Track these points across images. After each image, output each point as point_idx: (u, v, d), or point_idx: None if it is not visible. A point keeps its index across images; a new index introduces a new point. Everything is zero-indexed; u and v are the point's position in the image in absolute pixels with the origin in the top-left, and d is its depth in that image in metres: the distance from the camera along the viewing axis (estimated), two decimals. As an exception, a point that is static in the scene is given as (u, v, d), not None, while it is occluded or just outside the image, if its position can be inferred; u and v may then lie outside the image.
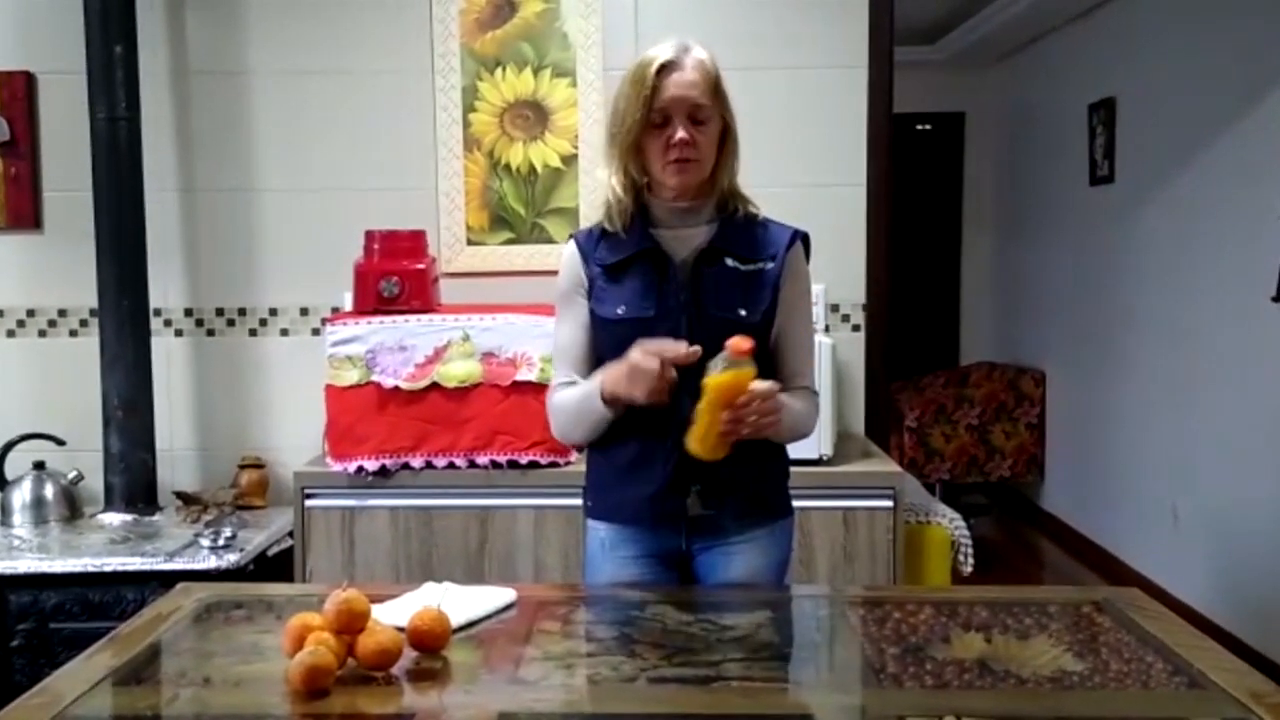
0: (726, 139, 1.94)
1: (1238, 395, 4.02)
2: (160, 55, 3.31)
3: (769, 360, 1.97)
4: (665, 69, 1.85)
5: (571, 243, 2.03)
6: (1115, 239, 5.07)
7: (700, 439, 1.76)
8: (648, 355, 1.76)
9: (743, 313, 1.90)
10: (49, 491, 3.12)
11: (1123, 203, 5.00)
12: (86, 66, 3.08)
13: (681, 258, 1.93)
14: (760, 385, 1.74)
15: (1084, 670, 1.58)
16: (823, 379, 2.88)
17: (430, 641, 1.60)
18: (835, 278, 3.21)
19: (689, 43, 1.91)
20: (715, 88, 1.89)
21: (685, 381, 1.78)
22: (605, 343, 1.97)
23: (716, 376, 1.72)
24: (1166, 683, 1.56)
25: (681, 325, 1.89)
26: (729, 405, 1.72)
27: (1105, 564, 5.13)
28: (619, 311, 1.93)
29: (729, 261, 1.92)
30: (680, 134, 1.85)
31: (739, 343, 1.71)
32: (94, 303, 3.16)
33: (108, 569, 2.74)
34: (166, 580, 2.50)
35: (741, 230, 1.95)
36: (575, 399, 1.95)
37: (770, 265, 1.93)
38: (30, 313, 3.37)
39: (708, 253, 1.93)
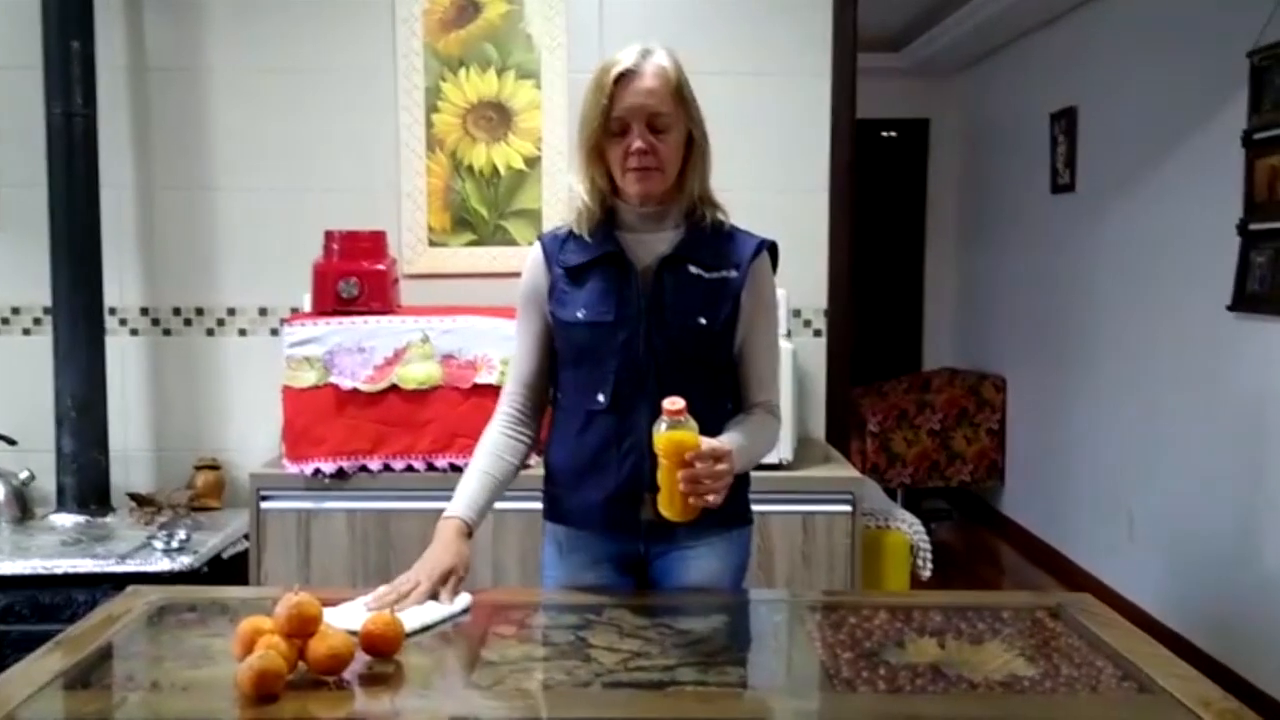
0: (693, 145, 1.91)
1: (1194, 402, 4.07)
2: (118, 50, 3.28)
3: (732, 372, 1.97)
4: (624, 77, 1.83)
5: (537, 245, 2.02)
6: (1076, 247, 5.12)
7: (667, 504, 1.77)
8: (425, 575, 1.82)
9: (703, 321, 1.89)
10: (-1, 492, 3.08)
11: (1083, 211, 5.05)
12: (43, 61, 3.04)
13: (645, 263, 1.92)
14: (707, 444, 1.73)
15: (1035, 675, 1.59)
16: (784, 384, 2.89)
17: (383, 646, 1.59)
18: (797, 283, 3.21)
19: (653, 47, 1.89)
20: (677, 94, 1.86)
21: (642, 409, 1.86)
22: (566, 345, 1.97)
23: (660, 435, 1.73)
24: (1116, 688, 1.57)
25: (640, 331, 1.88)
26: (680, 464, 1.71)
27: (1062, 569, 5.17)
28: (579, 315, 1.92)
29: (692, 269, 1.91)
30: (637, 143, 1.83)
31: (669, 404, 1.71)
32: (48, 300, 3.12)
33: (58, 571, 2.71)
34: (119, 583, 2.46)
35: (708, 238, 1.94)
36: (466, 474, 1.99)
37: (734, 274, 1.92)
38: (-17, 310, 3.33)
39: (671, 259, 1.91)
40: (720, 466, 1.73)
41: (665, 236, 1.93)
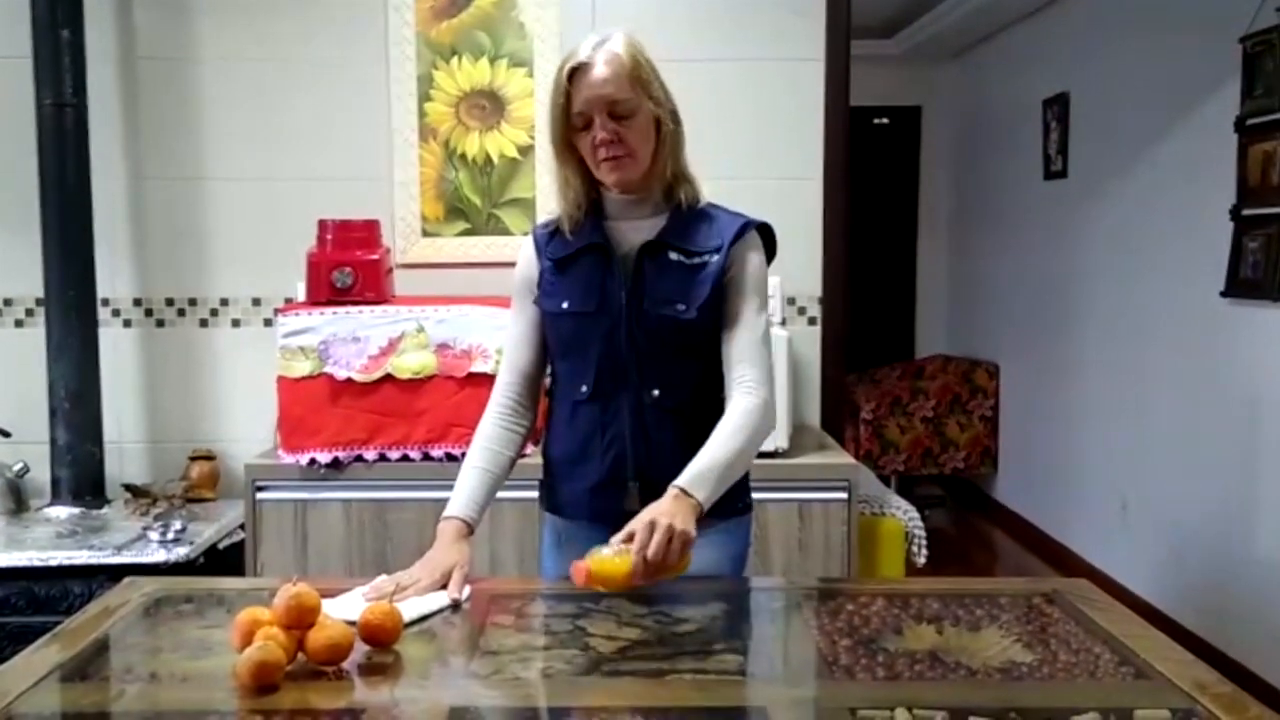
0: (661, 125, 1.88)
1: (1187, 388, 4.08)
2: (108, 40, 3.26)
3: (716, 352, 1.93)
4: (577, 72, 1.82)
5: (529, 237, 2.03)
6: (1068, 233, 5.12)
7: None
8: (426, 573, 1.82)
9: (681, 307, 1.87)
10: (-6, 484, 3.07)
11: (1076, 197, 5.06)
12: (33, 51, 3.03)
13: (628, 251, 1.91)
14: (638, 554, 1.66)
15: (1033, 661, 1.59)
16: (778, 372, 2.88)
17: (381, 636, 1.59)
18: (791, 270, 3.22)
19: (608, 34, 1.86)
20: (633, 77, 1.83)
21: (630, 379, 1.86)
22: (554, 336, 1.97)
23: (593, 577, 1.68)
24: (1114, 673, 1.57)
25: (622, 321, 1.88)
26: (628, 585, 1.69)
27: (1056, 555, 5.19)
28: (564, 305, 1.92)
29: (673, 255, 1.89)
30: (601, 134, 1.82)
31: (575, 577, 1.68)
32: (40, 292, 3.11)
33: (54, 563, 2.71)
34: (114, 574, 2.46)
35: (690, 222, 1.92)
36: (462, 471, 1.97)
37: (715, 258, 1.89)
38: (-26, 302, 3.31)
39: (652, 246, 1.90)
40: (672, 549, 1.68)
41: (649, 223, 1.92)
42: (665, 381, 1.88)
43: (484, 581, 1.96)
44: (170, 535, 2.80)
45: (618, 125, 1.83)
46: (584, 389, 1.91)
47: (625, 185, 1.88)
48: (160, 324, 3.35)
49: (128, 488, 3.18)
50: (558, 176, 1.93)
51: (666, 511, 1.70)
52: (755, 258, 1.94)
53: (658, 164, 1.90)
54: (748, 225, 1.94)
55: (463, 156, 3.31)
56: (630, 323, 1.88)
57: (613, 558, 1.68)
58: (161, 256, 3.33)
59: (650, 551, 1.65)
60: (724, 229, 1.92)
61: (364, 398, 2.88)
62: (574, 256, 1.93)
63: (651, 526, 1.67)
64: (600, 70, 1.82)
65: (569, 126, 1.86)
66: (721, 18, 3.29)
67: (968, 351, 6.44)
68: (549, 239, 1.98)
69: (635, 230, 1.92)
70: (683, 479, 1.76)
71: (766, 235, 1.98)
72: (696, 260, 1.89)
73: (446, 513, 1.92)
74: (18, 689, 1.47)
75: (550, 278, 1.95)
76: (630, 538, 1.68)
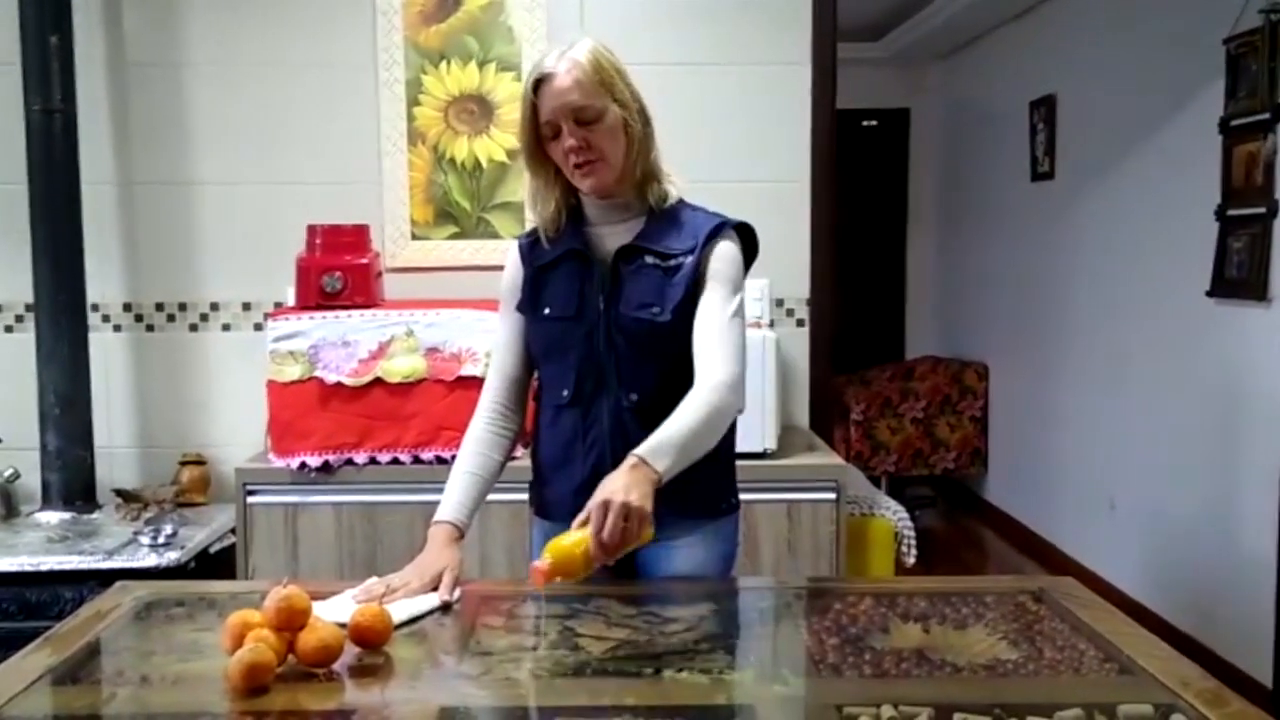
0: (629, 126, 1.88)
1: (1173, 387, 4.10)
2: (97, 46, 3.26)
3: (687, 343, 1.90)
4: (541, 82, 1.83)
5: (514, 246, 2.05)
6: (1055, 234, 5.15)
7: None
8: (417, 576, 1.83)
9: (656, 310, 1.88)
10: (-16, 490, 3.07)
11: (1063, 198, 5.08)
12: (21, 57, 3.03)
13: (605, 255, 1.92)
14: (594, 537, 1.62)
15: (1018, 658, 1.60)
16: (766, 373, 2.90)
17: (372, 638, 1.60)
18: (779, 273, 3.23)
19: (574, 41, 1.87)
20: (596, 83, 1.83)
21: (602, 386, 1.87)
22: (536, 342, 1.99)
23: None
24: (1098, 669, 1.59)
25: (600, 325, 1.90)
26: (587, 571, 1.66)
27: (1045, 553, 5.21)
28: (546, 312, 1.95)
29: (648, 259, 1.90)
30: (569, 141, 1.83)
31: (534, 580, 1.64)
32: (30, 297, 3.11)
33: (45, 568, 2.71)
34: (105, 579, 2.46)
35: (666, 225, 1.93)
36: (451, 475, 1.98)
37: (688, 260, 1.89)
38: (-36, 308, 3.31)
39: (627, 250, 1.91)
40: (627, 527, 1.63)
41: (627, 227, 1.93)
42: (643, 385, 1.90)
43: (474, 583, 1.97)
44: (161, 539, 2.80)
45: (586, 131, 1.83)
46: (565, 393, 1.93)
47: (601, 189, 1.89)
48: (150, 329, 3.35)
49: (118, 492, 3.18)
50: (530, 188, 1.96)
51: (621, 487, 1.65)
52: (725, 247, 1.92)
53: (628, 164, 1.90)
54: (723, 225, 1.93)
55: (451, 160, 3.32)
56: (608, 327, 1.89)
57: (568, 546, 1.64)
58: (151, 261, 3.34)
59: (606, 534, 1.61)
60: (698, 230, 1.92)
61: (354, 401, 2.88)
62: (555, 263, 1.95)
63: (605, 507, 1.62)
64: (563, 79, 1.82)
65: (539, 137, 1.88)
66: (707, 22, 3.30)
67: (957, 352, 6.47)
68: (532, 246, 2.00)
69: (613, 235, 1.94)
70: (643, 448, 1.71)
71: (747, 235, 1.98)
72: (671, 263, 1.90)
73: (436, 517, 1.93)
74: (9, 693, 1.47)
75: (533, 284, 1.97)
76: (588, 520, 1.64)
